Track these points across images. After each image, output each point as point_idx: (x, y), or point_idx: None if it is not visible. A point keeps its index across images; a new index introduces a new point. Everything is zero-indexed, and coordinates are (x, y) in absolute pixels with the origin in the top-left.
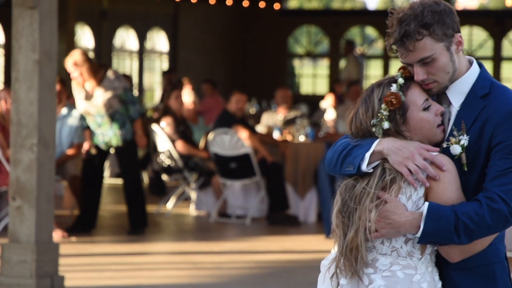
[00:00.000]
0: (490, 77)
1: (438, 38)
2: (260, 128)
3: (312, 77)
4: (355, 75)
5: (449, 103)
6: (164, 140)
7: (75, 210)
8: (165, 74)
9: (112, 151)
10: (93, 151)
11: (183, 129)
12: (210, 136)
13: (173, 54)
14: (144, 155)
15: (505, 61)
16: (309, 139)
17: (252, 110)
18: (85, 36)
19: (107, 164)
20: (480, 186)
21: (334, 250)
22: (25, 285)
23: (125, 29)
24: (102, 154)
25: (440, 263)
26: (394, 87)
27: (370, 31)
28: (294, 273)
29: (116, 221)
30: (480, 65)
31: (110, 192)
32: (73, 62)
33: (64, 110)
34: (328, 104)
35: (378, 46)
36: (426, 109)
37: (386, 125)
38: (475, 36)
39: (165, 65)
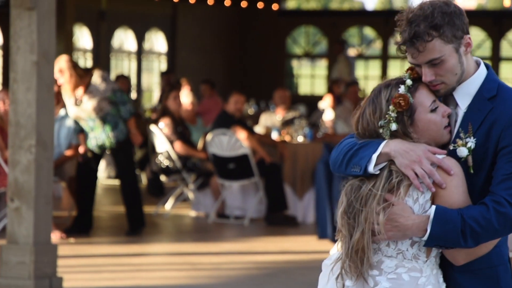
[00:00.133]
0: (497, 79)
1: (448, 39)
2: (259, 129)
3: (311, 77)
4: (346, 75)
5: (456, 105)
6: (163, 141)
7: (73, 211)
8: (163, 75)
9: (107, 152)
10: (89, 154)
11: (182, 130)
12: (209, 136)
13: (171, 55)
14: (143, 156)
15: (503, 61)
16: (308, 139)
17: (251, 110)
18: (83, 37)
19: (105, 165)
20: (486, 189)
21: (337, 250)
22: (23, 286)
23: (123, 30)
24: (96, 157)
25: (444, 265)
26: (402, 89)
27: (368, 31)
28: (293, 274)
29: (114, 222)
30: (487, 67)
31: (108, 193)
32: (58, 69)
33: (62, 111)
34: (326, 104)
35: (377, 46)
36: (433, 110)
37: (393, 126)
38: (473, 37)
39: (163, 65)
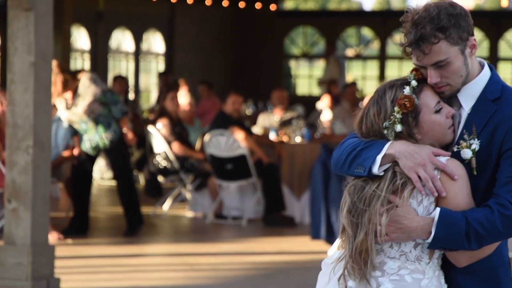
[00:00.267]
0: (500, 81)
1: (454, 41)
2: (256, 129)
3: (308, 78)
4: (337, 76)
5: (459, 106)
6: (160, 141)
7: (70, 212)
8: (161, 75)
9: (102, 153)
10: (84, 156)
11: (179, 131)
12: (206, 137)
13: (169, 56)
14: (140, 157)
15: (501, 61)
16: (305, 140)
17: (249, 111)
18: (81, 38)
19: (102, 166)
20: (489, 191)
21: (336, 249)
22: None
23: (121, 31)
24: (91, 158)
25: (446, 267)
26: (407, 90)
27: (366, 31)
28: (291, 274)
29: (112, 223)
30: (491, 68)
31: (105, 194)
32: None
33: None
34: (324, 105)
35: (374, 46)
36: (438, 111)
37: (398, 127)
38: None
39: (161, 66)
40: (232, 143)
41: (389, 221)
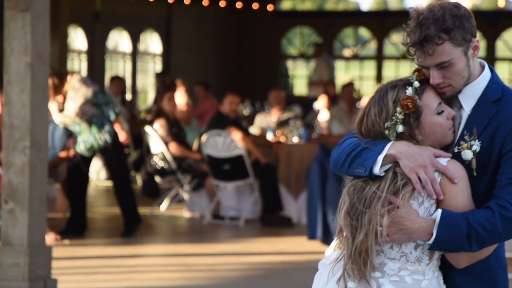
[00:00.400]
0: (501, 82)
1: (457, 43)
2: (254, 130)
3: (306, 78)
4: (327, 77)
5: (460, 106)
6: (157, 142)
7: (68, 212)
8: (158, 76)
9: (98, 154)
10: (78, 157)
11: (176, 131)
12: (204, 137)
13: (166, 56)
14: (137, 157)
15: (499, 61)
16: (303, 140)
17: (246, 111)
18: (78, 38)
19: (99, 167)
20: (488, 192)
21: (333, 250)
22: None
23: (118, 31)
24: (86, 160)
25: (444, 267)
26: (409, 90)
27: (363, 32)
28: (288, 275)
29: (109, 223)
30: (491, 69)
31: (102, 194)
32: None
33: None
34: (321, 105)
35: (371, 47)
36: (439, 113)
37: (400, 128)
38: None
39: (158, 67)
40: (229, 143)
41: (390, 222)
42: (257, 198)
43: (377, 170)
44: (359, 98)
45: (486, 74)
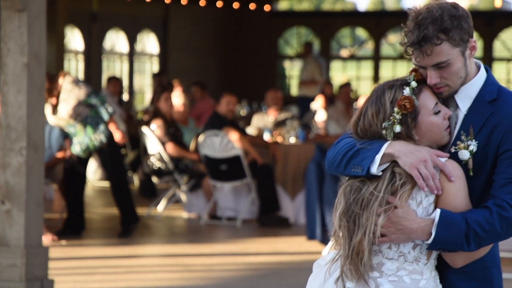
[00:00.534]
0: (496, 82)
1: (455, 43)
2: (251, 130)
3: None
4: (318, 76)
5: (456, 107)
6: (154, 142)
7: (64, 213)
8: (155, 76)
9: (94, 155)
10: (75, 159)
11: (173, 131)
12: (201, 138)
13: (163, 56)
14: (134, 158)
15: (496, 61)
16: (300, 140)
17: (243, 111)
18: (75, 39)
19: (96, 167)
20: (484, 192)
21: (329, 250)
22: None
23: (115, 32)
24: (82, 161)
25: (439, 267)
26: (407, 90)
27: (361, 32)
28: (285, 275)
29: (106, 224)
30: (487, 70)
31: (100, 195)
32: None
33: None
34: (318, 105)
35: (369, 47)
36: (436, 113)
37: (398, 128)
38: None
39: (155, 67)
40: (226, 143)
41: (389, 222)
42: (254, 198)
43: (374, 169)
44: (356, 99)
45: (482, 74)
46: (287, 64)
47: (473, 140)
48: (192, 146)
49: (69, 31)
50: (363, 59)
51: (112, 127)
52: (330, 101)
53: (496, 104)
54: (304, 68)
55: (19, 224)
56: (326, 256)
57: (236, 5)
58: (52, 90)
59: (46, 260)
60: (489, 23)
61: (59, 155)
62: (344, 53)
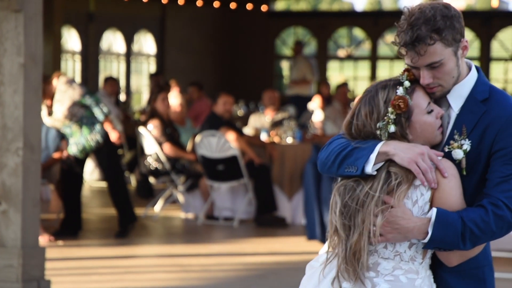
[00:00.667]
0: (488, 82)
1: (448, 43)
2: (248, 130)
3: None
4: (310, 76)
5: (448, 106)
6: (151, 142)
7: (61, 213)
8: (152, 76)
9: (91, 155)
10: (72, 159)
11: (170, 132)
12: (198, 138)
13: (160, 57)
14: (131, 158)
15: (494, 61)
16: (297, 140)
17: (240, 112)
18: (72, 39)
19: (93, 168)
20: (477, 191)
21: (325, 251)
22: None
23: (112, 32)
24: (79, 161)
25: (433, 266)
26: (400, 90)
27: (358, 32)
28: (282, 275)
29: (103, 224)
30: (478, 70)
31: (97, 195)
32: None
33: None
34: (315, 105)
35: (366, 47)
36: (429, 112)
37: (392, 128)
38: None
39: (152, 67)
40: (223, 144)
41: (385, 221)
42: (251, 198)
43: (369, 169)
44: (353, 99)
45: (473, 74)
46: (284, 64)
47: (466, 140)
48: (189, 146)
49: (66, 31)
50: (360, 59)
51: (107, 127)
52: (327, 101)
53: (488, 104)
54: (295, 67)
55: (15, 225)
56: (320, 258)
57: (233, 5)
58: (46, 91)
59: (42, 260)
60: (486, 23)
61: (56, 155)
62: (341, 53)
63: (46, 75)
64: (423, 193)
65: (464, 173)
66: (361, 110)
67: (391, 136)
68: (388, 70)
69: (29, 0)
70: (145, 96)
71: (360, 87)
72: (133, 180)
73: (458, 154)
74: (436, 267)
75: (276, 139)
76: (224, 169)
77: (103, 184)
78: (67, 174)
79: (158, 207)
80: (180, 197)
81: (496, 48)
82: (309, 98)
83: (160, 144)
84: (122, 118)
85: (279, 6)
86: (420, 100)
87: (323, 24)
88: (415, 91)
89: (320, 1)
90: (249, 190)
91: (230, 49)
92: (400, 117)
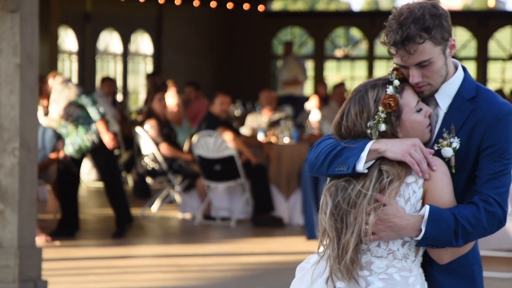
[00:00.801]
0: (474, 81)
1: (437, 41)
2: (245, 130)
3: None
4: (301, 76)
5: (436, 105)
6: (148, 143)
7: (58, 213)
8: (149, 76)
9: (87, 156)
10: (68, 159)
11: (167, 132)
12: (194, 138)
13: (157, 57)
14: (128, 158)
15: (492, 61)
16: (294, 140)
17: (237, 112)
18: (68, 39)
19: (90, 168)
20: (466, 189)
21: (317, 252)
22: None
23: (109, 32)
24: (76, 161)
25: (423, 264)
26: (390, 89)
27: (355, 32)
28: (279, 275)
29: (100, 224)
30: (464, 69)
31: (94, 195)
32: None
33: None
34: (312, 105)
35: (363, 47)
36: (418, 111)
37: (383, 127)
38: (458, 37)
39: (149, 67)
40: (220, 144)
41: (378, 219)
42: (248, 198)
43: (360, 167)
44: None
45: (460, 73)
46: (281, 64)
47: (456, 138)
48: (186, 146)
49: (62, 31)
50: (357, 59)
51: (101, 129)
52: (324, 101)
53: (475, 102)
54: (285, 67)
55: (12, 225)
56: (310, 259)
57: (230, 5)
58: (42, 91)
59: (39, 260)
60: (483, 23)
61: (53, 156)
62: (338, 53)
63: (42, 74)
64: (415, 191)
65: (454, 171)
66: (350, 109)
67: (382, 135)
68: (385, 70)
69: (25, 0)
70: (142, 96)
71: None
72: (130, 180)
73: (448, 152)
74: (426, 265)
75: (273, 139)
76: (221, 169)
77: (100, 185)
78: (64, 175)
79: (155, 207)
80: (177, 197)
81: (493, 48)
82: (300, 99)
83: (157, 144)
84: (119, 118)
85: (276, 6)
86: (409, 99)
87: (320, 24)
88: (405, 90)
89: (317, 1)
90: (246, 190)
91: (227, 49)
92: (391, 116)
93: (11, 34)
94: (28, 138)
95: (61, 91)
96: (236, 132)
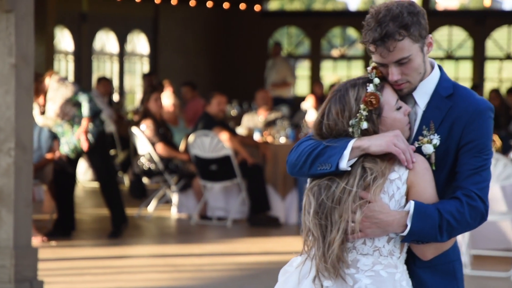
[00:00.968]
0: (450, 79)
1: (415, 39)
2: (241, 130)
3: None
4: (290, 78)
5: (414, 103)
6: (144, 143)
7: (54, 214)
8: (145, 76)
9: (83, 156)
10: (64, 159)
11: (163, 132)
12: (191, 138)
13: (153, 57)
14: (125, 158)
15: (489, 60)
16: (290, 140)
17: (234, 112)
18: (64, 39)
19: (86, 168)
20: (446, 185)
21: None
22: None
23: (105, 32)
24: (72, 161)
25: (406, 261)
26: (371, 87)
27: (351, 32)
28: (275, 275)
29: (96, 224)
30: (440, 67)
31: (90, 195)
32: None
33: None
34: (309, 105)
35: (359, 47)
36: (398, 109)
37: (365, 125)
38: (455, 36)
39: (145, 67)
40: (217, 144)
41: (364, 217)
42: (244, 198)
43: (344, 164)
44: None
45: (436, 71)
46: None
47: (435, 134)
48: (182, 146)
49: (58, 31)
50: (353, 59)
51: (82, 126)
52: (320, 101)
53: (453, 99)
54: (274, 68)
55: (8, 225)
56: (293, 262)
57: (226, 5)
58: (39, 89)
59: (35, 261)
60: (480, 22)
61: (49, 156)
62: (335, 53)
63: (39, 73)
64: (399, 187)
65: (434, 168)
66: (331, 109)
67: (364, 133)
68: None
69: (20, 0)
70: (138, 96)
71: None
72: (126, 180)
73: (428, 148)
74: (409, 262)
75: (269, 139)
76: (217, 169)
77: (96, 185)
78: (60, 175)
79: (151, 207)
80: (173, 197)
81: (490, 47)
82: (290, 100)
83: (153, 144)
84: (115, 118)
85: (273, 5)
86: (389, 97)
87: (317, 23)
88: (384, 88)
89: (313, 1)
90: (242, 190)
91: (223, 49)
92: (372, 114)
93: (6, 34)
94: (23, 138)
95: (58, 90)
96: (232, 132)
